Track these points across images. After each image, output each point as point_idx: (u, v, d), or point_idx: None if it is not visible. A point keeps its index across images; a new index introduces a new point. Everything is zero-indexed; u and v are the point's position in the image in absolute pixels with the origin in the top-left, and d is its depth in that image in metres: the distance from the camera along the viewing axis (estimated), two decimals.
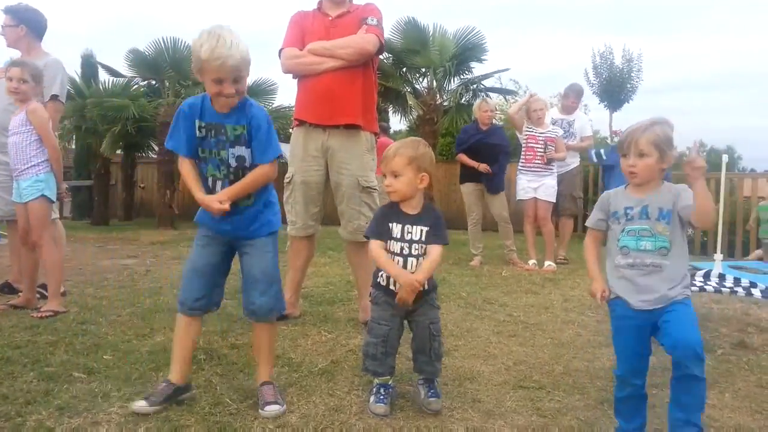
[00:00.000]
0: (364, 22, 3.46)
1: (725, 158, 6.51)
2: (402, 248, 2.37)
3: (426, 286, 2.37)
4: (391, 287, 2.38)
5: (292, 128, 3.70)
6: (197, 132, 2.33)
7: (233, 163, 2.34)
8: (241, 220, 2.38)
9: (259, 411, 2.27)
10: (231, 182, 2.35)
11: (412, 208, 2.40)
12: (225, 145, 2.33)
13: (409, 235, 2.37)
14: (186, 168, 2.40)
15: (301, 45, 3.50)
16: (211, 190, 2.37)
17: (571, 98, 7.13)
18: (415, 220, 2.38)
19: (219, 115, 2.32)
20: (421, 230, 2.37)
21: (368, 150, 3.59)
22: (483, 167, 6.30)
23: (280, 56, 3.59)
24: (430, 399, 2.33)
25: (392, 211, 2.41)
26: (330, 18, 3.55)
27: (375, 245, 2.39)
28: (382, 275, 2.42)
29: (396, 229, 2.37)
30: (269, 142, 2.35)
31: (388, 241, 2.38)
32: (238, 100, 2.30)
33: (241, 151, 2.34)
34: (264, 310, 2.41)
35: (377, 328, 2.40)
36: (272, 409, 2.27)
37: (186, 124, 2.34)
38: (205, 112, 2.33)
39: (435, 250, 2.37)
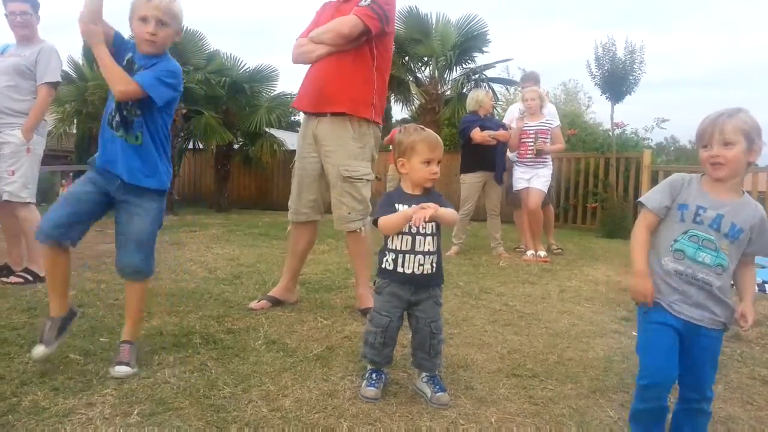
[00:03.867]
0: (357, 4, 3.37)
1: None
2: (410, 227, 2.35)
3: (434, 266, 2.37)
4: (399, 269, 2.36)
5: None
6: (125, 64, 2.49)
7: (129, 102, 2.48)
8: (129, 158, 2.49)
9: (109, 369, 2.42)
10: (123, 117, 2.47)
11: (416, 190, 2.42)
12: None
13: None
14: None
15: None
16: (111, 118, 2.50)
17: (527, 84, 7.00)
18: (421, 199, 2.38)
19: (139, 57, 2.52)
20: None
21: (354, 138, 3.46)
22: (500, 134, 6.24)
23: None
24: (438, 394, 2.33)
25: (398, 195, 2.42)
26: (337, 2, 3.53)
27: (381, 220, 2.36)
28: (387, 260, 2.39)
29: (403, 209, 2.36)
30: (154, 75, 2.46)
31: None
32: (154, 48, 2.50)
33: None
34: (130, 269, 2.54)
35: (378, 318, 2.40)
36: (121, 369, 2.41)
37: (124, 49, 2.54)
38: (136, 55, 2.54)
39: (451, 209, 2.37)
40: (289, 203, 3.69)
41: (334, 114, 3.42)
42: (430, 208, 2.24)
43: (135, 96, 2.43)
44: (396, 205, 2.37)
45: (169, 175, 2.64)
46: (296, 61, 3.53)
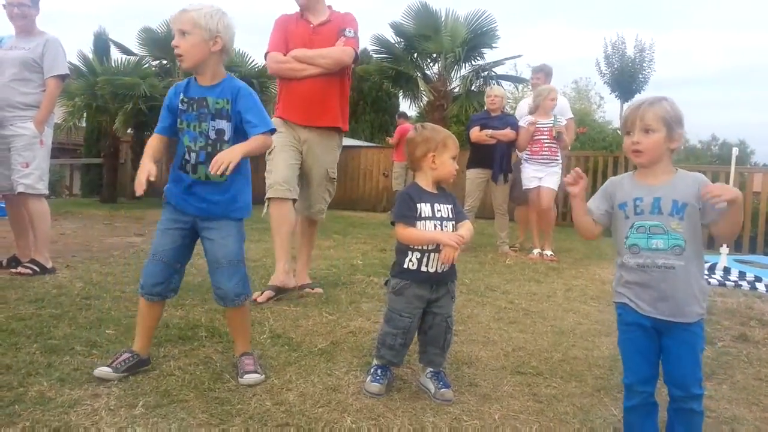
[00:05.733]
0: (342, 33, 3.79)
1: (735, 151, 6.46)
2: (435, 226, 2.35)
3: (457, 255, 2.36)
4: (423, 269, 2.35)
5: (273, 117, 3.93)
6: (180, 105, 2.42)
7: (213, 135, 2.39)
8: (212, 199, 2.41)
9: (239, 380, 2.36)
10: (207, 154, 2.36)
11: (432, 188, 2.43)
12: (206, 117, 2.39)
13: (439, 212, 2.38)
14: (151, 141, 2.50)
15: (285, 49, 3.81)
16: (185, 161, 2.41)
17: (538, 77, 6.92)
18: (439, 198, 2.41)
19: (202, 89, 2.42)
20: (448, 208, 2.41)
21: (338, 147, 4.07)
22: (500, 134, 6.22)
23: (266, 58, 3.92)
24: (443, 390, 2.33)
25: (416, 192, 2.41)
26: (312, 26, 3.85)
27: (404, 228, 2.34)
28: (410, 260, 2.37)
29: (426, 208, 2.36)
30: (263, 113, 2.43)
31: (419, 222, 2.35)
32: (184, 61, 2.39)
33: (222, 125, 2.40)
34: (231, 295, 2.44)
35: (399, 319, 2.37)
36: (251, 377, 2.36)
37: (170, 104, 2.46)
38: (190, 88, 2.44)
39: (468, 223, 2.43)
40: (270, 182, 3.79)
41: (324, 127, 3.87)
42: (458, 246, 2.28)
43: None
44: (417, 204, 2.36)
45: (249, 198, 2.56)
46: (280, 75, 3.94)
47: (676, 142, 1.89)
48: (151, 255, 2.45)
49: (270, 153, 3.79)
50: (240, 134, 2.42)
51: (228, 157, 2.24)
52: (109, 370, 2.33)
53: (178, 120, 2.44)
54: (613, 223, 1.99)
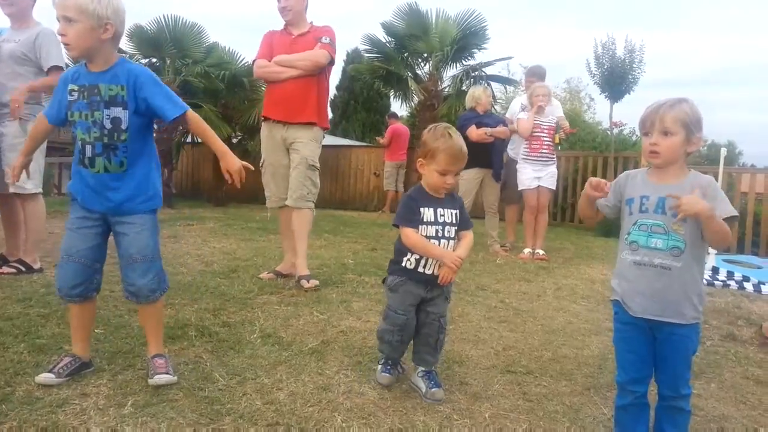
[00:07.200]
0: (318, 40, 4.27)
1: (724, 152, 6.50)
2: (437, 231, 2.35)
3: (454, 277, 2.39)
4: (420, 269, 2.36)
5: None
6: (68, 96, 2.27)
7: (108, 125, 2.24)
8: (116, 193, 2.29)
9: (149, 380, 2.27)
10: (104, 145, 2.25)
11: (438, 194, 2.41)
12: (99, 105, 2.23)
13: (442, 217, 2.37)
14: (38, 125, 2.48)
15: (270, 57, 4.34)
16: (82, 155, 2.27)
17: (531, 80, 6.82)
18: (444, 203, 2.40)
19: (93, 75, 2.26)
20: (452, 213, 2.40)
21: (316, 140, 4.37)
22: (498, 131, 6.25)
23: (253, 65, 4.47)
24: (433, 390, 2.34)
25: (421, 197, 2.40)
26: (293, 36, 4.37)
27: (410, 232, 2.33)
28: (408, 259, 2.38)
29: (428, 212, 2.36)
30: (172, 94, 2.32)
31: (421, 226, 2.34)
32: (71, 50, 2.22)
33: (117, 112, 2.24)
34: (145, 291, 2.34)
35: (394, 317, 2.38)
36: (162, 377, 2.27)
37: (60, 91, 2.32)
38: (80, 76, 2.28)
39: (469, 234, 2.44)
40: (268, 193, 4.50)
41: (303, 123, 4.26)
42: (456, 269, 2.32)
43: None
44: (420, 209, 2.35)
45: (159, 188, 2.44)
46: (264, 78, 4.54)
47: (694, 145, 1.88)
48: (65, 256, 2.31)
49: (262, 164, 4.37)
50: (143, 121, 2.32)
51: (238, 167, 2.39)
52: (51, 375, 2.25)
53: (69, 112, 2.28)
54: (621, 218, 2.01)
